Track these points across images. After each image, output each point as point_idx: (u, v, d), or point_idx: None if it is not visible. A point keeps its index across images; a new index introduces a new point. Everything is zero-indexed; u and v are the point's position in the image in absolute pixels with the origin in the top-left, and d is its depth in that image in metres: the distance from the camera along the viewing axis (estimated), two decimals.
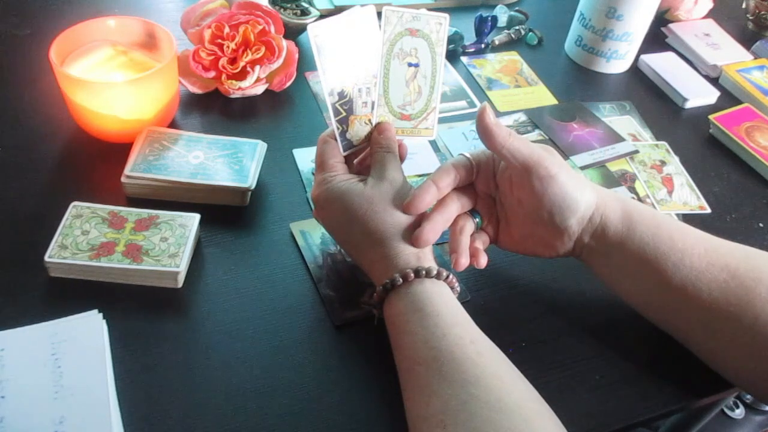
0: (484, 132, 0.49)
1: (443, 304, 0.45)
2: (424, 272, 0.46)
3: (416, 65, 0.53)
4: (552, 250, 0.52)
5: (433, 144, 0.70)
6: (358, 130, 0.52)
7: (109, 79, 0.61)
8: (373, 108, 0.52)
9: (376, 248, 0.48)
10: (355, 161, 0.55)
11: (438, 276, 0.46)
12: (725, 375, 0.50)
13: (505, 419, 0.39)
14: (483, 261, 0.51)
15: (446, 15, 0.53)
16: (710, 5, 0.97)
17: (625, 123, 0.77)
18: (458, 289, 0.48)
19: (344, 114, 0.51)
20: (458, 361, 0.42)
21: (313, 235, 0.58)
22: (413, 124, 0.54)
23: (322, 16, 0.82)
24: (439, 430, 0.39)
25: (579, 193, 0.49)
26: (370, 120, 0.53)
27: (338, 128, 0.51)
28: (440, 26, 0.53)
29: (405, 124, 0.54)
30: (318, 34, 0.50)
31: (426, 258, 0.48)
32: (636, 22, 0.81)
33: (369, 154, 0.53)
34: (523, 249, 0.54)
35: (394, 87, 0.53)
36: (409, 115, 0.54)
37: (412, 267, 0.46)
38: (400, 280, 0.46)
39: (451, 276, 0.47)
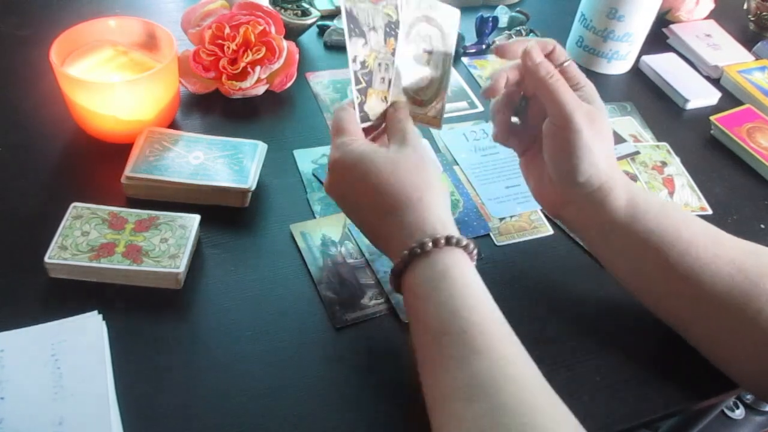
0: (527, 74, 0.51)
1: (472, 275, 0.44)
2: (455, 240, 0.44)
3: (430, 52, 0.55)
4: (552, 207, 0.54)
5: (434, 144, 0.70)
6: (375, 105, 0.52)
7: (109, 80, 0.61)
8: (389, 86, 0.53)
9: (400, 213, 0.46)
10: (368, 138, 0.54)
11: (465, 247, 0.45)
12: (724, 369, 0.50)
13: (533, 398, 0.38)
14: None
15: (458, 10, 0.55)
16: (711, 6, 0.97)
17: (626, 124, 0.77)
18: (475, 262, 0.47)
19: (364, 84, 0.51)
20: (488, 334, 0.40)
21: (313, 237, 0.58)
22: (423, 110, 0.55)
23: (322, 17, 0.82)
24: (464, 403, 0.38)
25: (586, 162, 0.49)
26: (386, 97, 0.53)
27: (358, 98, 0.51)
28: (452, 20, 0.55)
29: (416, 109, 0.55)
30: None
31: (452, 227, 0.46)
32: (637, 23, 0.81)
33: (381, 132, 0.54)
34: (536, 188, 0.55)
35: (409, 70, 0.54)
36: (422, 101, 0.55)
37: (441, 234, 0.44)
38: (430, 244, 0.44)
39: (475, 250, 0.46)
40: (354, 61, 0.50)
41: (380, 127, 0.54)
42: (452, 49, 0.56)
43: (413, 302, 0.45)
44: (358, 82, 0.51)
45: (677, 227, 0.49)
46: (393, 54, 0.52)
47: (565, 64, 0.52)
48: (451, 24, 0.55)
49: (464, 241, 0.45)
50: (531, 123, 0.55)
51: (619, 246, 0.51)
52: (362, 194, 0.48)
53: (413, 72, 0.54)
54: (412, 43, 0.53)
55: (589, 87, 0.52)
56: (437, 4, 0.54)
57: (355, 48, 0.50)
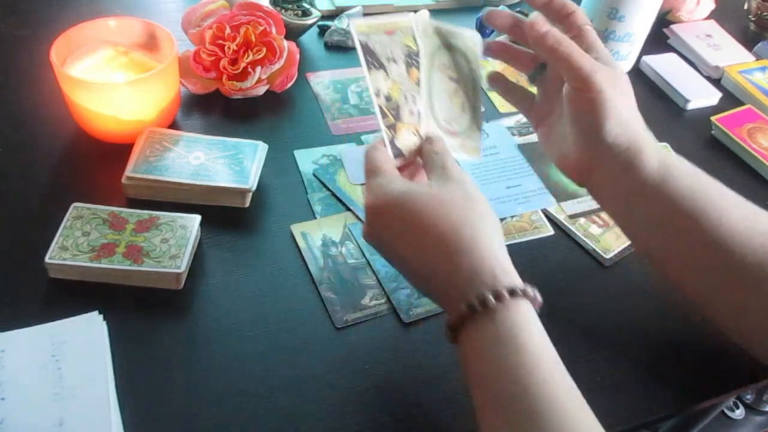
0: (536, 47, 0.49)
1: (538, 332, 0.41)
2: (519, 291, 0.40)
3: (456, 80, 0.53)
4: (578, 174, 0.51)
5: None
6: (407, 139, 0.49)
7: (109, 80, 0.61)
8: (419, 118, 0.50)
9: (451, 257, 0.42)
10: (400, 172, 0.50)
11: (527, 294, 0.41)
12: (747, 345, 0.48)
13: None
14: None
15: (478, 34, 0.53)
16: (712, 6, 0.97)
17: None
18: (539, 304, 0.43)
19: (392, 118, 0.48)
20: (553, 397, 0.38)
21: (313, 237, 0.58)
22: (459, 141, 0.52)
23: (323, 17, 0.82)
24: None
25: (613, 121, 0.47)
26: (417, 131, 0.50)
27: (388, 134, 0.48)
28: (475, 44, 0.53)
29: (451, 141, 0.51)
30: (362, 30, 0.48)
31: (512, 270, 0.43)
32: (637, 23, 0.80)
33: (417, 168, 0.50)
34: (559, 157, 0.52)
35: (438, 100, 0.51)
36: (456, 131, 0.52)
37: (503, 285, 0.40)
38: (492, 300, 0.39)
39: (538, 296, 0.42)
40: (378, 95, 0.48)
41: (415, 163, 0.50)
42: (480, 74, 0.53)
43: (474, 361, 0.41)
44: (384, 115, 0.48)
45: (710, 194, 0.47)
46: (418, 84, 0.50)
47: (584, 28, 0.50)
48: (475, 49, 0.53)
49: (528, 290, 0.41)
50: (548, 90, 0.54)
51: (647, 212, 0.48)
52: (406, 238, 0.44)
53: (442, 102, 0.51)
54: (436, 72, 0.51)
55: (605, 53, 0.50)
56: (456, 31, 0.52)
57: (376, 81, 0.48)
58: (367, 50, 0.48)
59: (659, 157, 0.48)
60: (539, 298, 0.42)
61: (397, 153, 0.49)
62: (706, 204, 0.47)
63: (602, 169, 0.49)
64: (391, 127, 0.48)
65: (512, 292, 0.40)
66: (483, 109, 0.53)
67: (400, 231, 0.44)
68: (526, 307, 0.41)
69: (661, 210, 0.48)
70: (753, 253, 0.45)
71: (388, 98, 0.48)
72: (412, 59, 0.50)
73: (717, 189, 0.48)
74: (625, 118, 0.48)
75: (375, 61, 0.48)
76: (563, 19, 0.51)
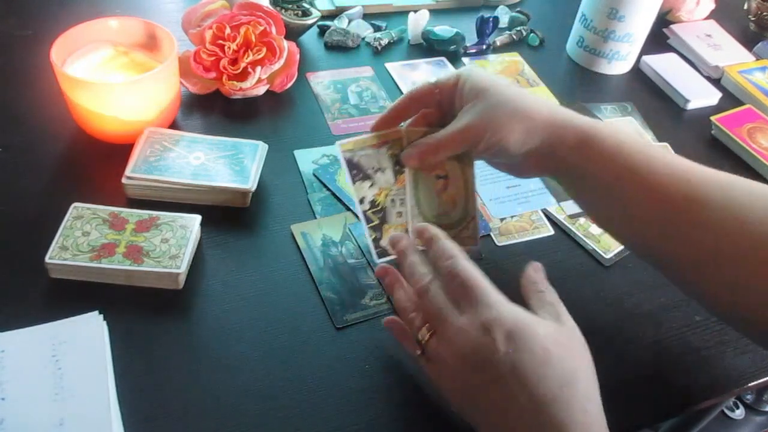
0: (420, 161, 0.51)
1: None
2: None
3: (445, 177, 0.54)
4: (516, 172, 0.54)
5: None
6: None
7: (109, 80, 0.61)
8: (410, 217, 0.53)
9: (551, 405, 0.38)
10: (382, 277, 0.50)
11: None
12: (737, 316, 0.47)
13: None
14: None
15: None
16: (712, 6, 0.97)
17: (627, 124, 0.77)
18: None
19: (377, 222, 0.52)
20: None
21: (314, 237, 0.58)
22: (453, 233, 0.53)
23: (323, 17, 0.82)
24: None
25: (519, 145, 0.49)
26: (406, 230, 0.53)
27: (371, 235, 0.51)
28: None
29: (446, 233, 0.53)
30: (347, 148, 0.51)
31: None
32: (637, 23, 0.81)
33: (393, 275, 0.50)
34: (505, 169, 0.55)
35: (426, 199, 0.53)
36: (449, 224, 0.53)
37: None
38: None
39: None
40: (361, 202, 0.51)
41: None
42: (472, 167, 0.54)
43: None
44: (369, 221, 0.52)
45: (633, 151, 0.47)
46: (405, 188, 0.52)
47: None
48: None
49: None
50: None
51: (586, 190, 0.50)
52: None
53: (431, 200, 0.53)
54: (422, 174, 0.53)
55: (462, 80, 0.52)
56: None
57: (360, 191, 0.51)
58: (352, 165, 0.51)
59: (576, 141, 0.48)
60: None
61: (382, 253, 0.52)
62: (632, 159, 0.47)
63: (541, 164, 0.51)
64: (376, 229, 0.52)
65: None
66: (479, 198, 0.54)
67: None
68: None
69: (593, 187, 0.49)
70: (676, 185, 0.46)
71: (373, 203, 0.52)
72: (401, 165, 0.52)
73: (640, 146, 0.48)
74: (519, 129, 0.48)
75: (361, 173, 0.51)
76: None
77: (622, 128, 0.49)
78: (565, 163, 0.49)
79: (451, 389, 0.43)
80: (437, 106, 0.53)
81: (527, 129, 0.49)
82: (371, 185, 0.52)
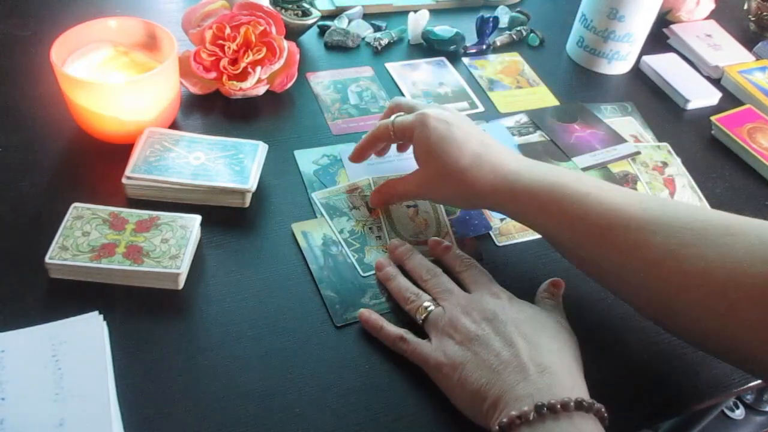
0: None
1: None
2: (585, 405, 0.41)
3: (414, 206, 0.61)
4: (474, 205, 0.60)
5: None
6: (377, 256, 0.57)
7: (109, 80, 0.61)
8: (388, 237, 0.59)
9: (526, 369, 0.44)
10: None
11: (589, 409, 0.41)
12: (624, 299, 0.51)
13: None
14: None
15: None
16: (712, 6, 0.97)
17: (627, 124, 0.77)
18: (607, 421, 0.42)
19: (358, 246, 0.57)
20: None
21: (314, 236, 0.58)
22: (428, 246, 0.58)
23: (323, 17, 0.82)
24: None
25: (467, 206, 0.60)
26: (385, 249, 0.58)
27: (353, 256, 0.56)
28: None
29: (423, 248, 0.58)
30: (322, 196, 0.60)
31: (583, 387, 0.44)
32: (637, 23, 0.81)
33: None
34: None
35: (400, 224, 0.60)
36: (425, 241, 0.58)
37: (571, 397, 0.41)
38: (559, 405, 0.40)
39: (602, 408, 0.42)
40: (341, 232, 0.58)
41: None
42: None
43: None
44: (350, 245, 0.57)
45: (549, 212, 0.51)
46: (380, 219, 0.60)
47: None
48: None
49: (595, 405, 0.41)
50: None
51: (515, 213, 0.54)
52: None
53: (405, 224, 0.60)
54: (394, 206, 0.61)
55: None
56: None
57: (338, 224, 0.58)
58: (328, 207, 0.60)
59: (510, 196, 0.52)
60: (606, 415, 0.42)
61: (365, 269, 0.56)
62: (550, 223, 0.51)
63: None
64: (358, 251, 0.57)
65: (588, 407, 0.41)
66: (446, 219, 0.61)
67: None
68: (593, 424, 0.41)
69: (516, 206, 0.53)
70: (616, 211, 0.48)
71: (352, 232, 0.58)
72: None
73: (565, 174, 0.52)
74: (462, 198, 0.55)
75: (337, 212, 0.59)
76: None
77: (561, 174, 0.53)
78: (516, 216, 0.55)
79: (447, 359, 0.47)
80: (396, 141, 0.60)
81: (471, 197, 0.54)
82: (348, 219, 0.59)
